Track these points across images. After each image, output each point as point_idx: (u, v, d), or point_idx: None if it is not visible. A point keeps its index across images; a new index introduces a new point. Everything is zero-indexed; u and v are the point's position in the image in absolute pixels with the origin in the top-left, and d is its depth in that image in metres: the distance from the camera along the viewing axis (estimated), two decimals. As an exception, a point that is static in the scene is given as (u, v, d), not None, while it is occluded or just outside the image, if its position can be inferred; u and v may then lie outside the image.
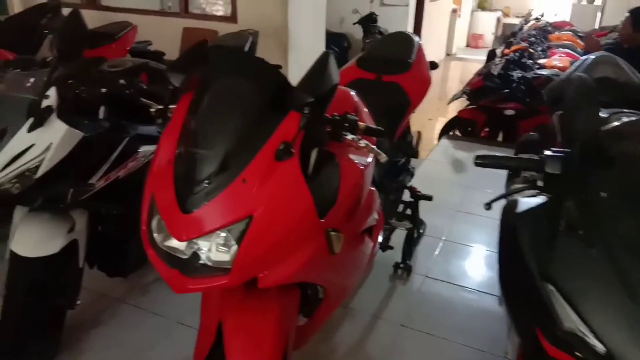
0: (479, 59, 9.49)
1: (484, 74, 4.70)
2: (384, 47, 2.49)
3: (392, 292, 2.43)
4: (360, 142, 1.41)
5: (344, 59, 7.78)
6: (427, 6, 8.39)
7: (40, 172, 1.52)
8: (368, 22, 7.54)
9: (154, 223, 1.23)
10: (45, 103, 1.53)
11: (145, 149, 1.91)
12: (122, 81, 1.78)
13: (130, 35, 3.08)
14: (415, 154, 2.42)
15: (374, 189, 1.66)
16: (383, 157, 1.50)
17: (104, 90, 1.72)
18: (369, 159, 1.57)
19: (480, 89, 4.64)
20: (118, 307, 2.25)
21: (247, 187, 1.16)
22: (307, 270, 1.28)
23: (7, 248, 1.68)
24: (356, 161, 1.50)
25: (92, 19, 4.84)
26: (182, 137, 1.26)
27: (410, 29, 7.89)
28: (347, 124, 1.37)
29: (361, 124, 1.42)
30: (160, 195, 1.22)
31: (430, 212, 2.80)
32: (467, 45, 11.97)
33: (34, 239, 1.62)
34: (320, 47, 5.06)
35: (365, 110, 1.76)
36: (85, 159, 1.63)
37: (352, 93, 1.73)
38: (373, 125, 1.49)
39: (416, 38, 2.49)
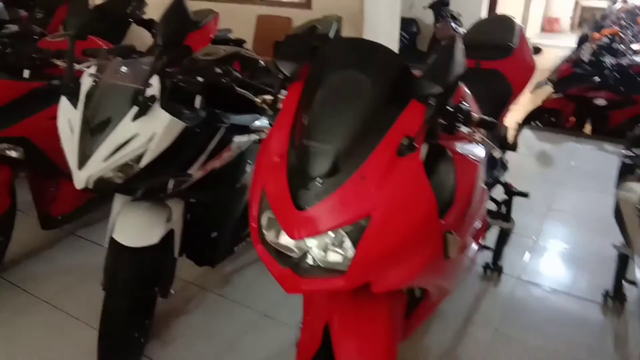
0: (554, 44, 8.92)
1: (573, 61, 4.37)
2: (483, 32, 2.32)
3: (483, 294, 2.29)
4: (475, 135, 1.29)
5: (413, 44, 7.55)
6: (502, -12, 7.94)
7: (143, 162, 1.51)
8: (440, 6, 7.22)
9: (265, 219, 1.17)
10: (148, 92, 1.52)
11: (239, 139, 1.88)
12: (218, 70, 1.74)
13: (213, 23, 3.08)
14: (514, 146, 2.25)
15: (484, 186, 1.54)
16: (498, 153, 1.37)
17: (200, 79, 1.69)
18: (482, 154, 1.45)
19: (569, 77, 4.32)
20: (204, 296, 2.26)
21: (365, 184, 1.08)
22: (422, 275, 1.19)
23: (107, 236, 1.70)
24: (470, 156, 1.38)
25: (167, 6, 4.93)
26: (294, 129, 1.20)
27: (484, 12, 7.50)
28: (460, 115, 1.26)
29: (475, 115, 1.30)
30: (271, 191, 1.16)
31: (519, 208, 2.62)
32: (542, 30, 11.29)
33: (135, 228, 1.63)
34: (395, 33, 4.89)
35: (473, 99, 1.63)
36: (185, 149, 1.61)
37: (460, 82, 1.60)
38: (486, 117, 1.37)
39: (517, 21, 2.30)
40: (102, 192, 1.62)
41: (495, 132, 2.29)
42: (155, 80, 1.54)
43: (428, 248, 1.16)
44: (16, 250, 2.41)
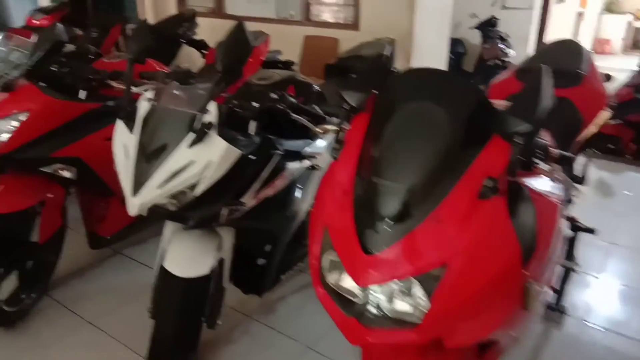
0: (606, 66, 8.57)
1: (634, 85, 4.14)
2: (548, 58, 2.19)
3: (546, 337, 2.13)
4: (554, 171, 1.18)
5: (459, 65, 7.40)
6: (553, 9, 7.71)
7: (198, 191, 1.46)
8: (487, 26, 7.08)
9: (327, 260, 1.09)
10: (205, 118, 1.47)
11: (292, 166, 1.82)
12: (273, 95, 1.69)
13: (264, 45, 3.07)
14: (583, 180, 2.10)
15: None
16: (576, 191, 1.25)
17: (256, 104, 1.65)
18: (561, 192, 1.33)
19: (629, 102, 4.09)
20: (248, 324, 2.19)
21: (442, 229, 0.98)
22: (499, 329, 1.08)
23: (156, 263, 1.66)
24: (550, 195, 1.26)
25: (216, 27, 5.00)
26: (360, 164, 1.12)
27: (533, 33, 7.30)
28: (539, 151, 1.15)
29: (553, 150, 1.19)
30: (336, 230, 1.08)
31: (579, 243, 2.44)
32: (593, 52, 10.90)
33: (186, 258, 1.58)
34: (443, 54, 4.80)
35: (546, 132, 1.52)
36: (239, 177, 1.56)
37: (506, 102, 1.49)
38: (565, 152, 1.25)
39: (585, 47, 2.17)
40: (154, 219, 1.58)
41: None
42: (212, 107, 1.50)
43: (509, 300, 1.05)
44: (64, 268, 2.41)
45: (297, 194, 1.99)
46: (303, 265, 2.22)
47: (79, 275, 2.51)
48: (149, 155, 1.50)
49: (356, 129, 1.18)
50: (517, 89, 2.07)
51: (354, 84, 1.22)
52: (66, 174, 2.03)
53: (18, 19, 9.78)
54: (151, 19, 5.71)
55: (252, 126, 1.66)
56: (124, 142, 1.58)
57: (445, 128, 1.05)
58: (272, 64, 3.14)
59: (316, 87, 2.11)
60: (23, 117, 1.88)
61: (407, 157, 1.05)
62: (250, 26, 4.58)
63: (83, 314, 2.24)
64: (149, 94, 1.62)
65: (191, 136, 1.46)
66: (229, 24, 4.74)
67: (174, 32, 3.45)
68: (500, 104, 1.11)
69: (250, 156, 1.56)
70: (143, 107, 1.60)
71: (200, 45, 3.63)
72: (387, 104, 1.14)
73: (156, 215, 1.52)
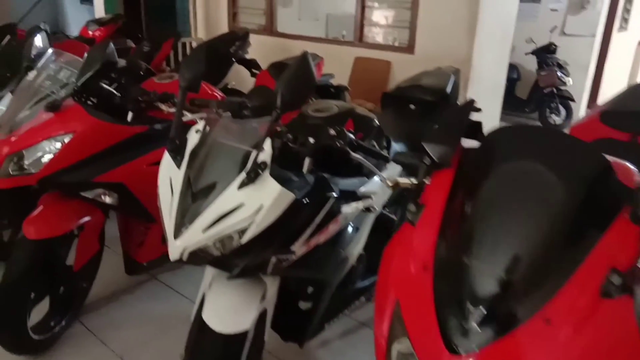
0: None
1: None
2: (636, 99, 1.95)
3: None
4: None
5: (512, 91, 7.09)
6: (614, 37, 7.32)
7: (246, 237, 1.31)
8: (544, 52, 6.77)
9: (396, 350, 0.91)
10: (259, 157, 1.32)
11: (347, 209, 1.65)
12: (332, 131, 1.53)
13: (317, 68, 2.93)
14: None
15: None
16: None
17: (312, 140, 1.49)
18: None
19: None
20: (286, 373, 2.02)
21: (551, 332, 0.79)
22: None
23: (194, 310, 1.52)
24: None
25: (267, 45, 4.94)
26: (444, 234, 0.94)
27: (593, 62, 6.93)
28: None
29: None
30: (411, 311, 0.90)
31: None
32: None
33: (227, 310, 1.42)
34: (501, 80, 4.56)
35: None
36: (291, 223, 1.39)
37: (633, 168, 1.27)
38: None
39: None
40: (195, 264, 1.44)
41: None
42: (267, 144, 1.35)
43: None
44: (97, 291, 2.31)
45: (349, 236, 1.81)
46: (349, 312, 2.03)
47: (112, 300, 2.40)
48: (196, 194, 1.36)
49: (439, 188, 1.00)
50: (603, 134, 1.85)
51: (439, 135, 1.03)
52: (107, 199, 1.93)
53: (75, 27, 10.13)
54: (203, 35, 5.72)
55: (307, 164, 1.50)
56: (169, 176, 1.45)
57: (559, 200, 0.85)
58: (324, 88, 2.99)
59: (377, 123, 1.94)
60: (67, 138, 1.79)
61: (508, 234, 0.86)
62: (300, 45, 4.49)
63: (113, 345, 2.12)
64: (200, 126, 1.49)
65: (242, 176, 1.31)
66: (280, 43, 4.62)
67: (226, 51, 3.36)
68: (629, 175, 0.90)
69: (304, 199, 1.40)
70: (192, 139, 1.47)
71: (251, 65, 3.54)
72: (481, 162, 0.95)
73: (198, 260, 1.38)
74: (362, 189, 1.79)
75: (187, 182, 1.39)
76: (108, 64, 1.85)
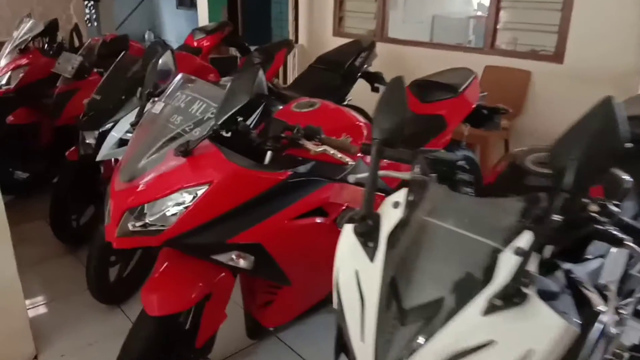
0: None
1: None
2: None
3: None
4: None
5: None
6: None
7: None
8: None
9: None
10: (524, 265, 0.83)
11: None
12: (594, 208, 1.00)
13: (474, 87, 2.39)
14: None
15: None
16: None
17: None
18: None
19: None
20: None
21: None
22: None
23: None
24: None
25: (378, 51, 4.45)
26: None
27: None
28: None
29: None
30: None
31: None
32: None
33: None
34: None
35: None
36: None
37: None
38: None
39: None
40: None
41: None
42: (525, 238, 0.85)
43: None
44: (220, 351, 1.96)
45: None
46: None
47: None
48: (406, 312, 0.89)
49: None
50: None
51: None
52: (242, 263, 1.53)
53: (171, 33, 10.25)
54: (304, 41, 5.35)
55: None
56: (356, 268, 1.00)
57: None
58: (476, 111, 2.45)
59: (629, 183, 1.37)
60: (201, 191, 1.40)
61: None
62: (419, 53, 3.93)
63: None
64: (399, 197, 1.02)
65: (489, 293, 0.82)
66: (391, 50, 3.98)
67: (352, 64, 2.93)
68: None
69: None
70: (391, 218, 1.00)
71: (375, 79, 3.08)
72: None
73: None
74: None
75: (389, 288, 0.93)
76: (257, 99, 1.43)
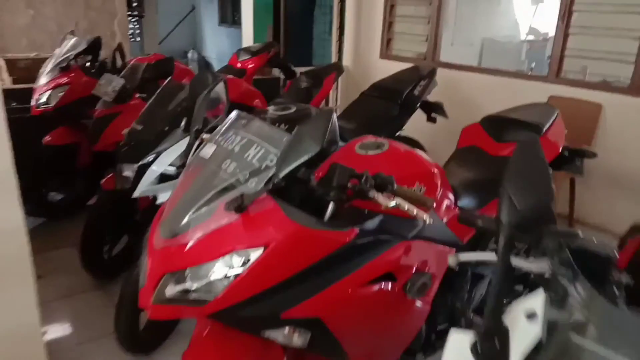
0: None
1: None
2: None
3: None
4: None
5: None
6: None
7: None
8: None
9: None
10: None
11: None
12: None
13: (558, 126, 2.09)
14: None
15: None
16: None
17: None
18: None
19: None
20: None
21: None
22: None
23: None
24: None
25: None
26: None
27: None
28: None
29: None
30: None
31: None
32: None
33: None
34: None
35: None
36: None
37: None
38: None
39: None
40: None
41: None
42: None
43: None
44: None
45: None
46: None
47: None
48: None
49: None
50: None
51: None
52: (296, 339, 1.28)
53: (212, 49, 10.24)
54: (349, 64, 5.14)
55: None
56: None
57: None
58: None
59: None
60: (255, 254, 1.17)
61: None
62: (474, 79, 3.63)
63: None
64: (537, 303, 0.75)
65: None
66: (444, 75, 3.67)
67: (410, 93, 2.67)
68: None
69: None
70: (523, 333, 0.73)
71: (434, 109, 2.81)
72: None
73: None
74: None
75: None
76: (328, 147, 1.19)
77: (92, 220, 2.54)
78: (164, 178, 1.91)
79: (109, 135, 2.57)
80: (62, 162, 3.25)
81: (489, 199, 1.84)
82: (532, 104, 2.29)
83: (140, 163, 1.91)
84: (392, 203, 1.29)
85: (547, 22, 6.42)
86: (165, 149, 1.91)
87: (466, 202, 1.79)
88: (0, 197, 1.64)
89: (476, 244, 1.83)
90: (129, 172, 1.95)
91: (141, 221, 2.39)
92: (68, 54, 3.09)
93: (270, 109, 2.10)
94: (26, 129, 2.68)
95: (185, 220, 1.23)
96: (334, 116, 1.19)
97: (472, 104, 3.86)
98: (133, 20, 7.63)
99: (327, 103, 3.84)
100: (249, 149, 1.27)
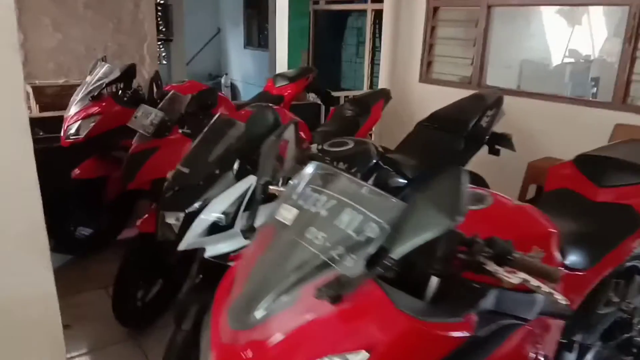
0: None
1: None
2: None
3: None
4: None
5: None
6: None
7: None
8: None
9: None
10: None
11: None
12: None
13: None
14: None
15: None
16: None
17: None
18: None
19: None
20: None
21: None
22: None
23: None
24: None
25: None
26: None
27: None
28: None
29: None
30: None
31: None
32: None
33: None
34: None
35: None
36: None
37: None
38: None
39: None
40: None
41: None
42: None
43: None
44: None
45: None
46: None
47: None
48: None
49: None
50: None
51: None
52: None
53: (236, 72, 10.13)
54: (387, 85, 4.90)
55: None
56: None
57: None
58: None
59: None
60: (358, 358, 0.89)
61: None
62: (527, 105, 3.33)
63: None
64: None
65: None
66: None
67: (477, 124, 2.40)
68: None
69: None
70: None
71: (502, 142, 2.54)
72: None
73: None
74: None
75: None
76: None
77: (126, 265, 2.30)
78: (213, 229, 1.66)
79: (145, 172, 2.34)
80: (90, 195, 3.05)
81: (599, 255, 1.55)
82: (629, 141, 2.01)
83: (187, 211, 1.67)
84: (517, 280, 1.01)
85: (584, 44, 6.13)
86: (215, 195, 1.66)
87: (574, 259, 1.50)
88: (28, 237, 1.49)
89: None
90: (172, 220, 1.71)
91: (178, 265, 2.15)
92: (100, 82, 2.90)
93: (323, 144, 1.86)
94: (54, 159, 2.49)
95: (262, 309, 0.96)
96: (466, 178, 0.93)
97: (532, 134, 3.57)
98: (160, 43, 7.54)
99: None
100: (341, 214, 1.00)
